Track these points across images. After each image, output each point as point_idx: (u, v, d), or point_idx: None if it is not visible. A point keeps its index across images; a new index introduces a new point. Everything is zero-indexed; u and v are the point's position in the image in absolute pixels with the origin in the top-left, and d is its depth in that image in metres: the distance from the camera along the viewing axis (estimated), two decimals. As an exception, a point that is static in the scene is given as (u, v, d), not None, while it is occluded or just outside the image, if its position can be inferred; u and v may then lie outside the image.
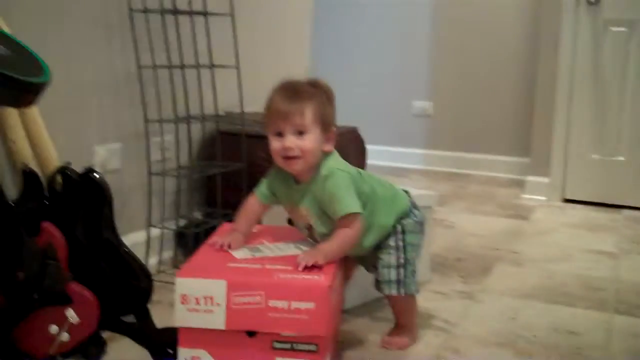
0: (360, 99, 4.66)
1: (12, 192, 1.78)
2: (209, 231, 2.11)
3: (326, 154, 1.70)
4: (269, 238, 1.80)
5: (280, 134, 1.65)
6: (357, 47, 4.77)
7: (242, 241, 1.74)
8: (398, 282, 1.78)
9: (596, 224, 3.28)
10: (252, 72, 2.73)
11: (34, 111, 1.77)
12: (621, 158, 3.59)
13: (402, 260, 1.78)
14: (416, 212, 1.84)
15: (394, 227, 1.78)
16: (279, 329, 1.51)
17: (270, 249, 1.72)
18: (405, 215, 1.80)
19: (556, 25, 3.64)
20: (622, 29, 3.53)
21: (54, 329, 1.65)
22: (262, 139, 2.49)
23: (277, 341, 1.52)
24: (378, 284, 1.80)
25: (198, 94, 2.38)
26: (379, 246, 1.79)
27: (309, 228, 1.74)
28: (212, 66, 2.34)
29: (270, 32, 3.11)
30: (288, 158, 1.65)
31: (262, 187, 1.79)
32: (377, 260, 1.80)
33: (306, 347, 1.51)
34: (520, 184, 3.94)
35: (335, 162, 1.70)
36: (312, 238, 1.76)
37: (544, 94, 3.75)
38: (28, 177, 1.76)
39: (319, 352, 1.51)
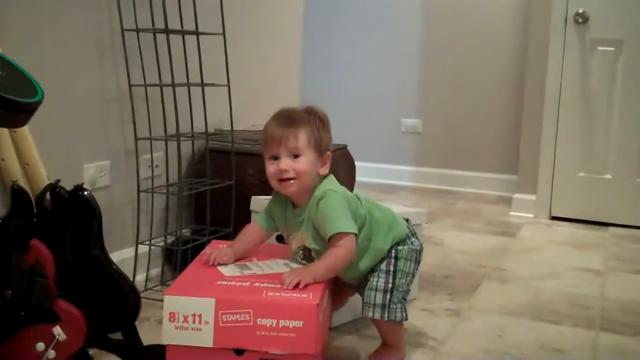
0: (350, 116, 4.68)
1: (0, 209, 1.78)
2: (198, 248, 2.12)
3: (322, 178, 1.73)
4: (259, 256, 1.81)
5: (275, 158, 1.69)
6: (347, 65, 4.79)
7: (232, 258, 1.75)
8: (383, 306, 1.75)
9: (583, 241, 3.30)
10: (243, 90, 2.75)
11: (25, 129, 1.77)
12: (608, 176, 3.62)
13: (389, 285, 1.76)
14: (414, 240, 1.84)
15: (389, 251, 1.78)
16: (267, 347, 1.51)
17: (260, 266, 1.73)
18: (402, 241, 1.80)
19: (544, 44, 3.68)
20: (610, 48, 3.57)
21: (40, 346, 1.65)
22: (251, 157, 2.53)
23: (265, 359, 1.52)
24: (362, 306, 1.78)
25: (188, 111, 2.39)
26: (372, 269, 1.79)
27: (305, 250, 1.74)
28: (203, 84, 2.35)
29: (261, 51, 3.13)
30: (283, 180, 1.69)
31: (263, 214, 1.83)
32: (365, 282, 1.79)
33: (294, 365, 1.52)
34: (507, 202, 3.96)
35: (330, 185, 1.73)
36: (309, 262, 1.74)
37: (532, 112, 3.78)
38: (17, 194, 1.76)
39: (306, 370, 1.52)
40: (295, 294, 1.55)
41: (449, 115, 4.54)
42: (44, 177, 1.80)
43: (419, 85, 4.61)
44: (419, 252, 1.84)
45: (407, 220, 1.88)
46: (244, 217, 2.26)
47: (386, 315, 1.74)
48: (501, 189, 4.30)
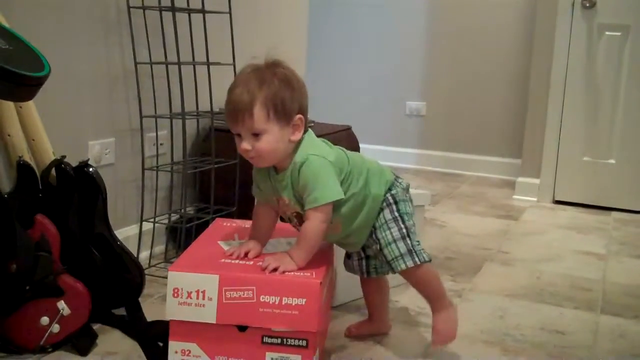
0: (354, 98, 4.68)
1: (6, 184, 1.79)
2: (201, 226, 2.13)
3: (299, 141, 1.61)
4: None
5: (239, 135, 1.58)
6: (351, 47, 4.78)
7: (259, 249, 1.68)
8: (410, 252, 1.66)
9: (586, 225, 3.30)
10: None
11: (31, 105, 1.78)
12: (612, 161, 3.62)
13: (404, 231, 1.68)
14: (400, 179, 1.77)
15: (384, 199, 1.70)
16: (270, 324, 1.53)
17: (263, 245, 1.74)
18: (392, 185, 1.73)
19: (551, 28, 3.67)
20: (617, 33, 3.55)
21: (45, 320, 1.67)
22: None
23: (268, 336, 1.54)
24: (389, 265, 1.68)
25: (194, 90, 2.40)
26: (374, 228, 1.70)
27: (298, 217, 1.66)
28: (208, 63, 2.35)
29: (267, 29, 3.12)
30: (251, 158, 1.60)
31: (254, 187, 1.74)
32: (376, 243, 1.70)
33: (296, 342, 1.53)
34: (511, 185, 3.96)
35: (311, 147, 1.61)
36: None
37: (537, 96, 3.77)
38: (23, 169, 1.77)
39: (309, 347, 1.53)
40: (299, 273, 1.56)
41: (454, 99, 4.54)
42: (50, 153, 1.81)
43: (423, 68, 4.60)
44: (408, 188, 1.78)
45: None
46: (248, 196, 2.26)
47: (417, 259, 1.66)
48: (505, 172, 4.30)
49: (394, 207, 1.70)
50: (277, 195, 1.65)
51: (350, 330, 1.89)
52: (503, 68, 4.37)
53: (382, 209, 1.70)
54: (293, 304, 1.51)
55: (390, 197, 1.71)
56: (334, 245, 1.81)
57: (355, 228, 1.69)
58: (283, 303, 1.51)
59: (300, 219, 1.65)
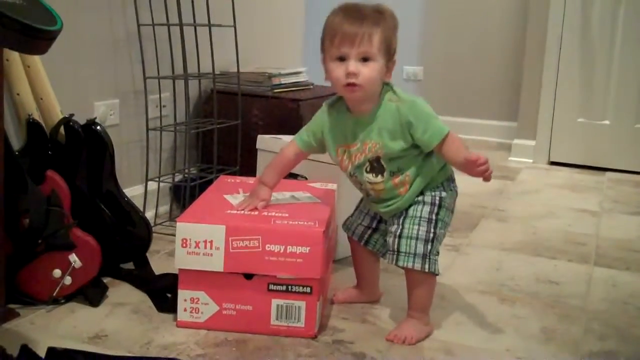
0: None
1: (16, 142, 1.84)
2: (205, 185, 2.18)
3: (385, 85, 1.61)
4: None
5: (342, 59, 1.54)
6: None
7: (269, 197, 1.70)
8: (424, 256, 1.59)
9: (580, 185, 3.36)
10: (249, 32, 2.79)
11: (38, 65, 1.82)
12: (606, 122, 3.67)
13: (431, 235, 1.61)
14: (454, 185, 1.71)
15: (433, 195, 1.64)
16: (275, 272, 1.59)
17: (267, 197, 1.79)
18: (446, 185, 1.67)
19: (546, -8, 3.70)
20: (611, -5, 3.59)
21: (57, 272, 1.73)
22: (257, 98, 2.59)
23: (273, 283, 1.60)
24: (395, 254, 1.61)
25: (195, 53, 2.44)
26: (405, 213, 1.63)
27: (373, 161, 1.61)
28: (210, 25, 2.39)
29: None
30: (350, 85, 1.54)
31: (303, 134, 1.70)
32: (399, 227, 1.63)
33: (301, 289, 1.59)
34: (508, 148, 4.01)
35: (403, 93, 1.62)
36: (376, 173, 1.63)
37: (533, 59, 3.81)
38: (32, 127, 1.82)
39: (312, 293, 1.59)
40: (302, 222, 1.61)
41: (450, 63, 4.57)
42: (58, 112, 1.86)
43: (420, 33, 4.63)
44: (455, 199, 1.72)
45: None
46: (250, 156, 2.32)
47: (427, 266, 1.59)
48: (502, 135, 4.35)
49: (436, 209, 1.63)
50: (351, 141, 1.62)
51: (337, 296, 1.83)
52: (499, 32, 4.39)
53: (424, 204, 1.63)
54: (297, 252, 1.57)
55: (438, 199, 1.64)
56: (335, 198, 1.87)
57: (410, 194, 1.63)
58: (288, 251, 1.57)
59: (375, 162, 1.61)
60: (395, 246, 1.62)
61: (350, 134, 1.63)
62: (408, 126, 1.57)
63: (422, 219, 1.62)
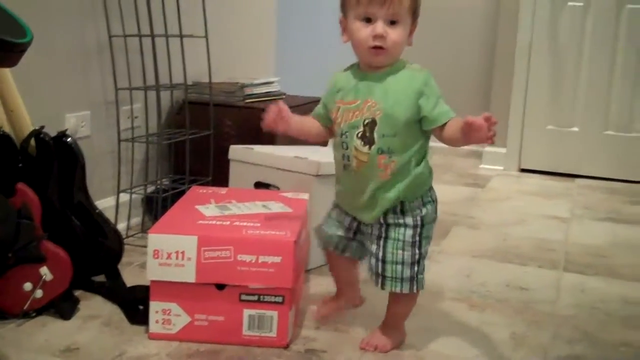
0: (322, 69, 4.72)
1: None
2: (177, 197, 2.18)
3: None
4: (238, 198, 1.88)
5: (368, 20, 1.46)
6: (318, 17, 4.81)
7: (291, 121, 1.55)
8: (411, 279, 1.55)
9: (550, 191, 3.41)
10: (221, 43, 2.79)
11: (8, 77, 1.81)
12: (575, 129, 3.73)
13: (417, 257, 1.55)
14: (432, 192, 1.63)
15: (414, 216, 1.56)
16: (247, 282, 1.59)
17: (239, 207, 1.80)
18: (427, 194, 1.61)
19: (515, -1, 3.75)
20: (579, 3, 3.64)
21: (28, 286, 1.71)
22: (229, 108, 2.60)
23: (245, 293, 1.60)
24: (380, 277, 1.56)
25: (167, 63, 2.44)
26: (386, 234, 1.56)
27: (369, 125, 1.51)
28: (181, 35, 2.40)
29: (238, 2, 3.16)
30: (376, 48, 1.47)
31: (319, 107, 1.64)
32: (379, 250, 1.56)
33: (273, 298, 1.60)
34: (478, 155, 4.05)
35: (416, 65, 1.55)
36: (364, 141, 1.52)
37: (503, 67, 3.85)
38: (3, 140, 1.80)
39: (284, 303, 1.60)
40: (274, 232, 1.62)
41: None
42: (29, 124, 1.85)
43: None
44: (437, 206, 1.63)
45: None
46: (222, 167, 2.33)
47: (415, 287, 1.56)
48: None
49: (419, 229, 1.56)
50: (352, 98, 1.53)
51: (319, 312, 1.77)
52: (469, 38, 4.43)
53: (406, 227, 1.55)
54: (269, 262, 1.58)
55: (419, 219, 1.56)
56: (307, 208, 1.88)
57: (391, 195, 1.54)
58: (259, 261, 1.58)
59: (371, 125, 1.51)
60: (380, 270, 1.56)
61: (352, 90, 1.54)
62: (419, 95, 1.49)
63: (405, 243, 1.55)
